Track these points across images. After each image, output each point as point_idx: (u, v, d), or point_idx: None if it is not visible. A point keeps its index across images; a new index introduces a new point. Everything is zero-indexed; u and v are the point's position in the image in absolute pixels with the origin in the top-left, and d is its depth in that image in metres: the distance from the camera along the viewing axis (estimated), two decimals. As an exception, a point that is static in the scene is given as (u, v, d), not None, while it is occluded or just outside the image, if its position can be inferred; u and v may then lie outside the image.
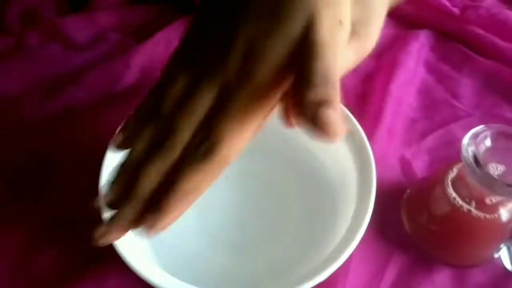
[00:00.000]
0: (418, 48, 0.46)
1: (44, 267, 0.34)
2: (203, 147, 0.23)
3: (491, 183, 0.28)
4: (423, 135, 0.41)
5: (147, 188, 0.24)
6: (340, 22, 0.22)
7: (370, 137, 0.40)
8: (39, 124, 0.42)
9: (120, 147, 0.27)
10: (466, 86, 0.44)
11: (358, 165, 0.33)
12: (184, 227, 0.36)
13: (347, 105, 0.43)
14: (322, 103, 0.20)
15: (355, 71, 0.45)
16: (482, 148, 0.30)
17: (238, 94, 0.23)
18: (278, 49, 0.22)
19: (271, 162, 0.39)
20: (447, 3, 0.47)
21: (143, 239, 0.34)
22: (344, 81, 0.44)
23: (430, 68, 0.46)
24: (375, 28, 0.25)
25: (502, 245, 0.34)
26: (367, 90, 0.44)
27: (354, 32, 0.24)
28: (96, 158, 0.35)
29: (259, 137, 0.39)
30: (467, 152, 0.29)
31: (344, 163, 0.34)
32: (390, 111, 0.42)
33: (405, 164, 0.40)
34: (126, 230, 0.25)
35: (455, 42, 0.47)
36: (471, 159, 0.29)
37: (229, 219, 0.36)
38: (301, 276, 0.29)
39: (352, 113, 0.42)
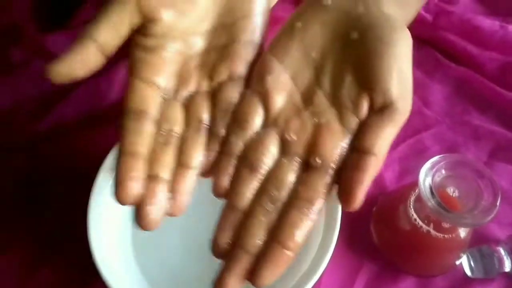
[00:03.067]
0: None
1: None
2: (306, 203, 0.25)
3: (443, 215, 0.30)
4: (395, 144, 0.43)
5: (257, 242, 0.25)
6: None
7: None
8: (27, 144, 0.44)
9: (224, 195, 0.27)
10: (437, 93, 0.46)
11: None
12: (168, 240, 0.39)
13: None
14: None
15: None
16: (439, 176, 0.32)
17: None
18: None
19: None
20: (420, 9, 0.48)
21: (128, 257, 0.37)
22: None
23: (403, 75, 0.47)
24: (410, 96, 0.26)
25: (462, 254, 0.37)
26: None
27: (394, 108, 0.25)
28: (85, 177, 0.37)
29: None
30: (423, 183, 0.31)
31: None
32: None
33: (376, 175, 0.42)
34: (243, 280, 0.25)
35: (428, 48, 0.48)
36: (427, 190, 0.31)
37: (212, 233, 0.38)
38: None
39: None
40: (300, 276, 0.32)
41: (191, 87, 0.29)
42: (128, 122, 0.27)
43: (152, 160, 0.27)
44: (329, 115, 0.27)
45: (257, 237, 0.25)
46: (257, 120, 0.27)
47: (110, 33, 0.26)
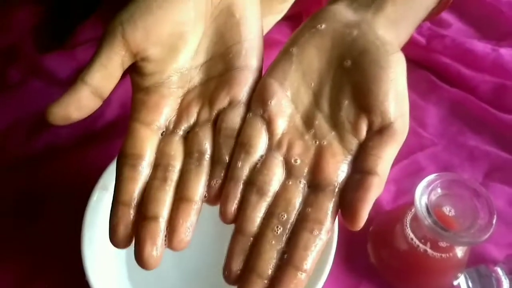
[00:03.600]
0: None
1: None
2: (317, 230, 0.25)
3: (440, 233, 0.30)
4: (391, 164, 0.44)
5: (270, 267, 0.25)
6: None
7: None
8: (23, 163, 0.44)
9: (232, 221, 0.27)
10: (432, 115, 0.46)
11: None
12: (163, 267, 0.38)
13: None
14: None
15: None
16: (435, 194, 0.32)
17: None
18: None
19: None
20: (414, 33, 0.48)
21: (122, 279, 0.37)
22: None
23: (398, 97, 0.48)
24: (407, 117, 0.27)
25: (459, 274, 0.37)
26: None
27: (393, 129, 0.26)
28: (80, 196, 0.37)
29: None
30: (420, 202, 0.31)
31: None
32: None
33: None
34: None
35: (423, 70, 0.48)
36: (424, 209, 0.31)
37: (206, 259, 0.38)
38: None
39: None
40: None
41: (191, 119, 0.29)
42: (124, 169, 0.27)
43: (150, 200, 0.26)
44: (330, 137, 0.27)
45: (270, 262, 0.25)
46: (261, 144, 0.27)
47: (102, 75, 0.26)
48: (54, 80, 0.48)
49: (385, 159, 0.26)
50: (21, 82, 0.48)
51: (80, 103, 0.26)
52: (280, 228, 0.25)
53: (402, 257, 0.35)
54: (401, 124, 0.26)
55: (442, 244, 0.32)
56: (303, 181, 0.26)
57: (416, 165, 0.43)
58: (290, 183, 0.26)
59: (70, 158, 0.44)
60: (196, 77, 0.30)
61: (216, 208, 0.33)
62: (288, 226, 0.25)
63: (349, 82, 0.27)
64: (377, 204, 0.41)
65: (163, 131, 0.28)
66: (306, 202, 0.26)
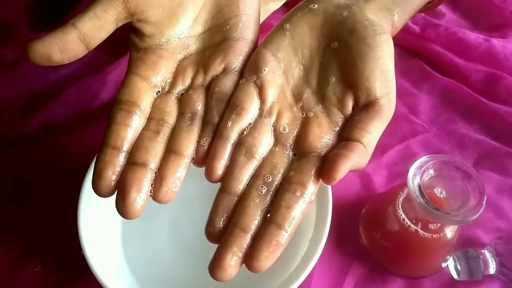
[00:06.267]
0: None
1: (26, 285, 0.37)
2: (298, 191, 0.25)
3: (432, 213, 0.31)
4: (384, 150, 0.44)
5: (253, 222, 0.25)
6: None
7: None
8: (17, 143, 0.44)
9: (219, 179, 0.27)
10: (424, 102, 0.47)
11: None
12: (158, 242, 0.39)
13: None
14: None
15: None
16: (427, 176, 0.33)
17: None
18: None
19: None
20: (408, 21, 0.49)
21: (117, 254, 0.37)
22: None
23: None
24: (393, 95, 0.28)
25: (448, 256, 0.37)
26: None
27: (379, 105, 0.27)
28: (74, 176, 0.37)
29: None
30: (412, 182, 0.32)
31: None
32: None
33: (365, 179, 0.43)
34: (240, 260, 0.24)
35: (416, 59, 0.49)
36: (416, 189, 0.32)
37: (201, 234, 0.38)
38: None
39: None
40: (291, 271, 0.32)
41: (186, 82, 0.29)
42: (117, 114, 0.27)
43: (141, 147, 0.26)
44: (317, 110, 0.28)
45: (253, 217, 0.25)
46: (252, 108, 0.28)
47: (93, 24, 0.26)
48: (49, 60, 0.48)
49: (371, 133, 0.26)
50: (16, 61, 0.48)
51: (65, 45, 0.25)
52: (264, 189, 0.26)
53: (394, 238, 0.36)
54: (387, 101, 0.27)
55: (433, 226, 0.33)
56: (289, 149, 0.27)
57: (408, 150, 0.44)
58: (277, 149, 0.27)
59: (65, 138, 0.44)
60: (193, 46, 0.30)
61: (208, 192, 0.33)
62: (273, 188, 0.26)
63: (337, 59, 0.28)
64: (369, 187, 0.42)
65: (159, 91, 0.29)
66: (290, 168, 0.26)
